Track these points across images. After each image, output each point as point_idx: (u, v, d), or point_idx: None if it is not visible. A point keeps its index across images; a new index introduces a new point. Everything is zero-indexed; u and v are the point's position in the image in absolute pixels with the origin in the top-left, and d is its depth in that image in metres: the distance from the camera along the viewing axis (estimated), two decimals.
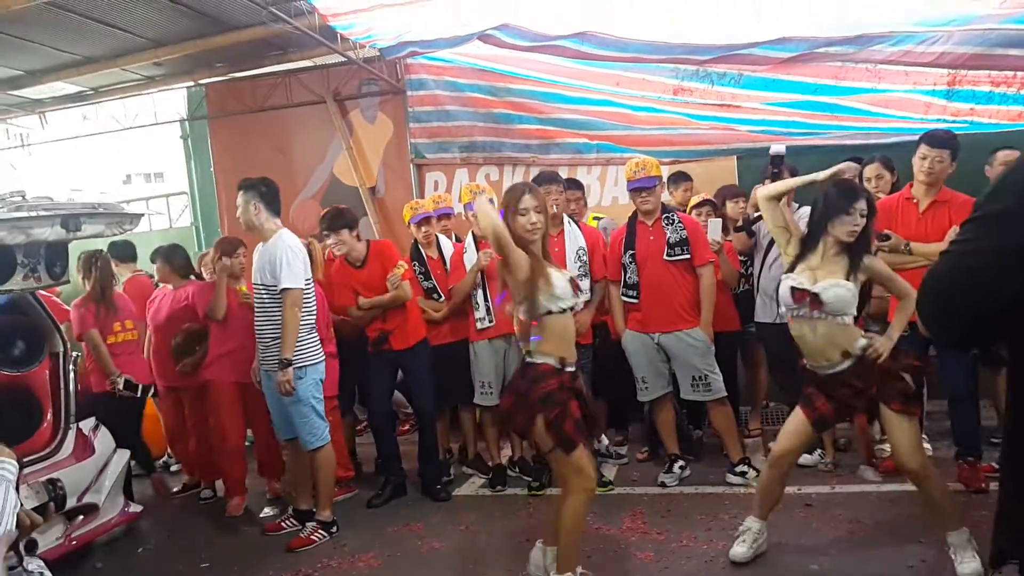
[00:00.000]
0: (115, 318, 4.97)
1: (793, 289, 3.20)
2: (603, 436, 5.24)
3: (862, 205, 3.18)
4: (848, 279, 3.16)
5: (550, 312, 3.04)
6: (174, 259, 5.26)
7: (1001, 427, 1.47)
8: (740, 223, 4.92)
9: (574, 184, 5.41)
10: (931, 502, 3.25)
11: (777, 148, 4.05)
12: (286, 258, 4.03)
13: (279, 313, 4.04)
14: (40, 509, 1.75)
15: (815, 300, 3.14)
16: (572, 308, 3.16)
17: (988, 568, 1.45)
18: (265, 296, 4.12)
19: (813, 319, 3.19)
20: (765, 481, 3.53)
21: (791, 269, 3.29)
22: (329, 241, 4.62)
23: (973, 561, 3.10)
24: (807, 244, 3.29)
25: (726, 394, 4.53)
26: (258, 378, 4.32)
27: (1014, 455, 1.41)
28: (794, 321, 3.28)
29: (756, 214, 4.81)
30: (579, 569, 3.20)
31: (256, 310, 4.20)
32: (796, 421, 3.35)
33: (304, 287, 4.08)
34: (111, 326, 4.95)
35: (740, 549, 3.45)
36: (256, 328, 4.21)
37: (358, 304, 4.61)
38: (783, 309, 3.33)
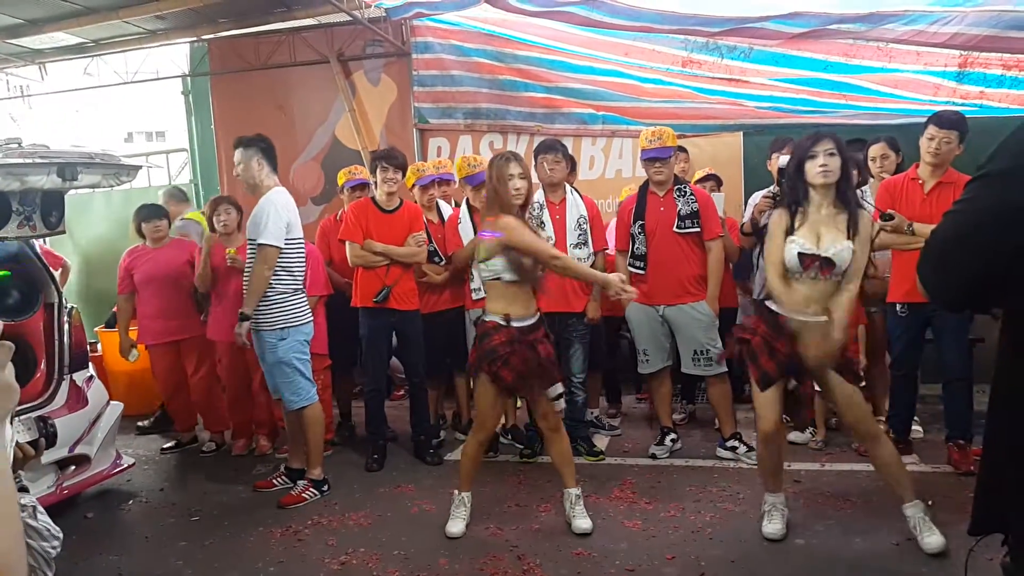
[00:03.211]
0: None
1: (801, 255, 3.17)
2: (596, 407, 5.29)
3: (828, 145, 3.17)
4: (849, 238, 3.16)
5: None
6: (163, 219, 5.31)
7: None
8: (750, 229, 4.89)
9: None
10: (886, 467, 3.32)
11: (784, 160, 4.04)
12: (269, 215, 4.01)
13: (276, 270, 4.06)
14: (31, 445, 1.75)
15: (826, 264, 3.14)
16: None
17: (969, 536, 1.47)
18: (254, 252, 4.10)
19: (820, 280, 3.18)
20: (766, 458, 3.50)
21: (790, 232, 3.25)
22: (383, 176, 4.56)
23: (934, 535, 3.18)
24: (793, 200, 3.27)
25: (727, 369, 4.53)
26: (243, 339, 4.26)
27: (997, 425, 1.41)
28: (797, 283, 3.23)
29: (765, 221, 4.76)
30: (463, 493, 3.72)
31: (249, 268, 4.15)
32: (756, 392, 3.34)
33: (284, 247, 4.05)
34: None
35: (775, 527, 3.43)
36: (244, 285, 4.17)
37: (364, 244, 4.53)
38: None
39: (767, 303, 3.32)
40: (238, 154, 4.13)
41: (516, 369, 3.40)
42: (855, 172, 3.66)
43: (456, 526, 3.66)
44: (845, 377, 3.23)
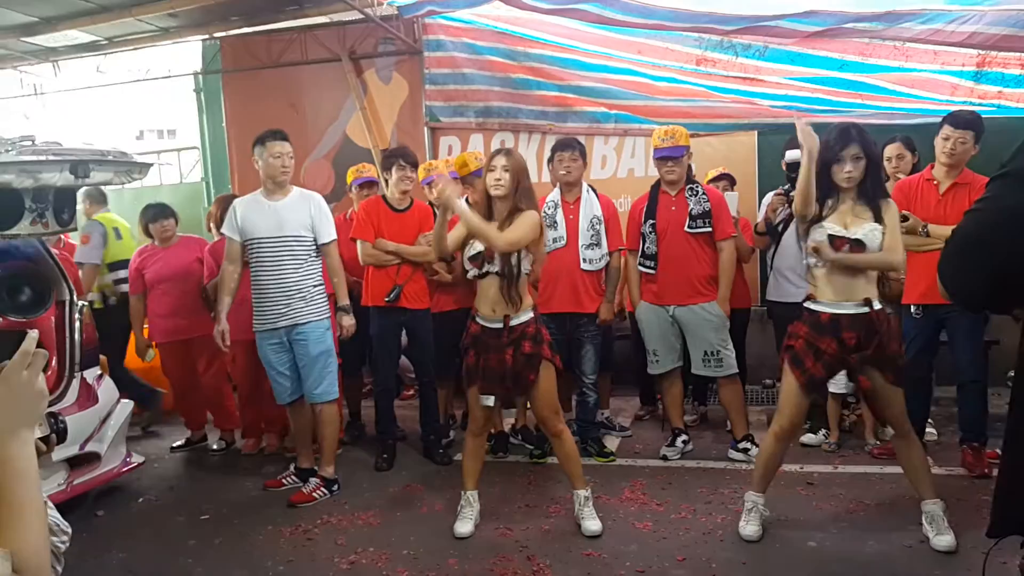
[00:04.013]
0: None
1: (832, 237, 3.17)
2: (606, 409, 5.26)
3: (854, 150, 3.16)
4: (878, 223, 3.17)
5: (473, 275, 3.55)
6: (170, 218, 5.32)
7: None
8: (764, 229, 4.85)
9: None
10: (913, 468, 3.34)
11: (793, 155, 4.00)
12: (327, 210, 4.28)
13: (309, 266, 4.18)
14: (43, 441, 1.75)
15: (856, 245, 3.14)
16: (486, 274, 3.50)
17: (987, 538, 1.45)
18: (297, 248, 4.15)
19: (850, 255, 3.18)
20: (770, 455, 3.48)
21: (818, 221, 3.24)
22: (400, 174, 4.59)
23: (947, 535, 3.21)
24: (823, 193, 3.25)
25: (738, 371, 4.51)
26: (227, 341, 4.25)
27: (1018, 427, 1.39)
28: (833, 272, 3.22)
29: (779, 219, 4.73)
30: (469, 492, 3.72)
31: (279, 264, 4.14)
32: (791, 391, 3.31)
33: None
34: None
35: (754, 529, 3.43)
36: (279, 283, 4.14)
37: (376, 243, 4.55)
38: (812, 260, 3.27)
39: (806, 304, 3.31)
40: (291, 148, 4.20)
41: (468, 364, 3.57)
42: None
43: (464, 526, 3.64)
44: (887, 376, 3.21)
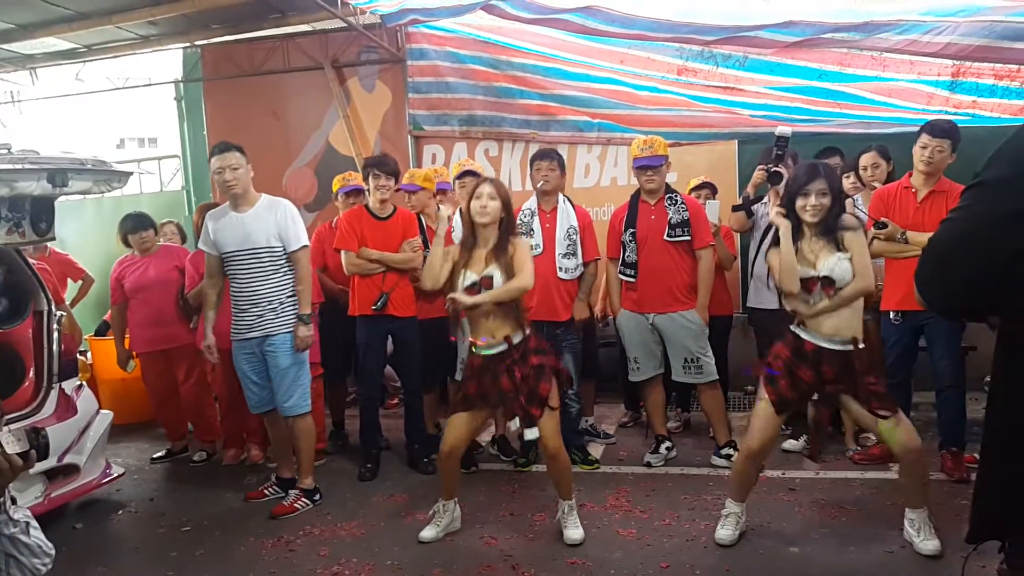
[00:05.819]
0: None
1: (803, 280, 3.19)
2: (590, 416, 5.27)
3: (820, 184, 3.18)
4: (840, 251, 3.19)
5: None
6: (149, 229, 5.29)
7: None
8: (740, 202, 4.86)
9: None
10: (913, 479, 3.31)
11: (783, 130, 3.98)
12: (297, 219, 4.16)
13: (280, 276, 4.09)
14: (22, 457, 1.70)
15: (827, 283, 3.16)
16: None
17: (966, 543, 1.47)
18: (266, 259, 4.08)
19: (832, 301, 3.19)
20: (742, 470, 3.51)
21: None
22: (375, 183, 4.53)
23: (933, 540, 3.23)
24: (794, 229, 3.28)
25: (717, 377, 4.53)
26: (214, 354, 4.23)
27: (995, 432, 1.41)
28: (811, 308, 3.23)
29: (755, 196, 4.74)
30: (444, 501, 3.74)
31: (249, 276, 4.10)
32: (762, 410, 3.32)
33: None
34: None
35: (727, 532, 3.46)
36: (250, 294, 4.10)
37: (360, 252, 4.52)
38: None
39: (792, 328, 3.32)
40: (238, 158, 4.06)
41: (466, 394, 3.54)
42: (843, 190, 3.64)
43: (429, 531, 3.68)
44: (868, 405, 3.16)
